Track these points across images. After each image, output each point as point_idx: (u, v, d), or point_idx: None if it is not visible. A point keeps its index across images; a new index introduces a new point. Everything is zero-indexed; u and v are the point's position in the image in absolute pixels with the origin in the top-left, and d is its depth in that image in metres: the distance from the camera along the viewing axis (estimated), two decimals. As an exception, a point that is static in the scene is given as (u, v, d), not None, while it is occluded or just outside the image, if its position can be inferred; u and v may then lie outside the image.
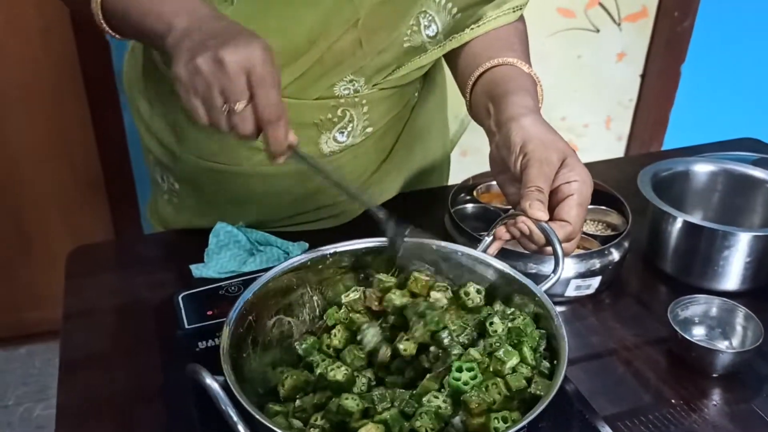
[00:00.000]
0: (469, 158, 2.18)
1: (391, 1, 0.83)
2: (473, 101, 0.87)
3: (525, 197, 0.68)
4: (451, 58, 0.94)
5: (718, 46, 2.16)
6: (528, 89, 0.82)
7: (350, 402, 0.56)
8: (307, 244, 0.92)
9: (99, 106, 1.78)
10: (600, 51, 2.13)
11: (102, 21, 0.74)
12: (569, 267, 0.84)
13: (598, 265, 0.85)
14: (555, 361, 0.59)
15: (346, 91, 0.88)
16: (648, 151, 2.31)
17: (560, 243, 0.70)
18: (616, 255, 0.86)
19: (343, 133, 0.91)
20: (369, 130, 0.94)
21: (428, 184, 1.11)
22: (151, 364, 0.76)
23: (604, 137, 2.30)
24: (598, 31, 2.10)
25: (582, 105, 2.21)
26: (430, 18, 0.87)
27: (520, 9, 0.92)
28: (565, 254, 0.69)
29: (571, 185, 0.71)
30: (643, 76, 2.22)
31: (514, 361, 0.59)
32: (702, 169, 0.95)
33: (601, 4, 2.05)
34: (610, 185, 0.97)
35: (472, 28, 0.89)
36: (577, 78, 2.16)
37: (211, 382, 0.50)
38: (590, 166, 1.24)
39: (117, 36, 0.76)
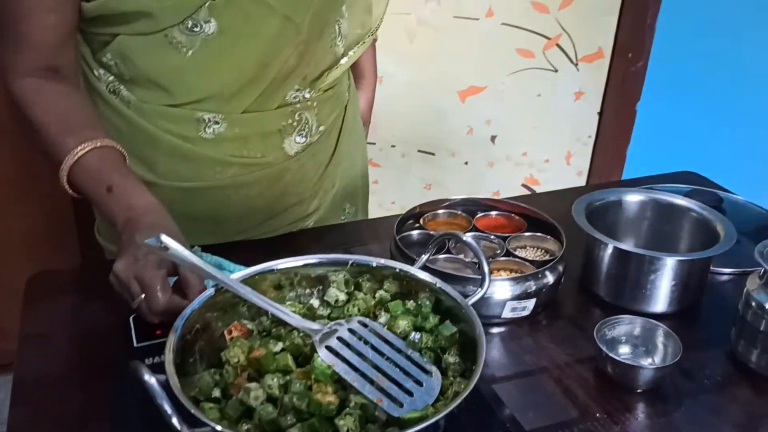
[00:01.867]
0: (432, 191, 2.24)
1: (318, 14, 0.96)
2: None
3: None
4: None
5: (671, 85, 2.25)
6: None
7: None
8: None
9: None
10: (558, 90, 2.22)
11: (70, 191, 0.88)
12: (505, 289, 0.88)
13: (533, 288, 0.90)
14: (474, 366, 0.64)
15: (296, 99, 1.02)
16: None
17: (488, 261, 0.75)
18: (550, 278, 0.91)
19: (301, 134, 1.05)
20: (321, 128, 1.08)
21: (363, 173, 1.26)
22: (102, 384, 0.79)
23: (564, 172, 2.37)
24: (556, 70, 2.18)
25: (542, 141, 2.29)
26: (341, 25, 1.02)
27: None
28: None
29: None
30: (600, 114, 2.30)
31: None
32: (633, 198, 1.01)
33: (558, 45, 2.14)
34: (553, 214, 1.03)
35: (364, 42, 1.08)
36: (537, 115, 2.24)
37: (149, 378, 0.54)
38: (536, 198, 1.30)
39: (75, 194, 0.89)
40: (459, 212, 1.07)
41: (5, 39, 0.89)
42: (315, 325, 0.67)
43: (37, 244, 1.97)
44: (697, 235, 0.97)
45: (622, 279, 0.92)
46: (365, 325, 0.68)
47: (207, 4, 0.87)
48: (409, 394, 0.62)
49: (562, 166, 2.36)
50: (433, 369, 0.66)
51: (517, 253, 0.98)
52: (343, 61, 1.06)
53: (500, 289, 0.88)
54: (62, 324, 0.90)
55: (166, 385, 0.56)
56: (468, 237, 0.81)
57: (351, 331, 0.67)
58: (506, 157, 2.28)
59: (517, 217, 1.06)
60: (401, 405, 0.60)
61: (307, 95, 1.03)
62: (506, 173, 2.30)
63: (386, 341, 0.67)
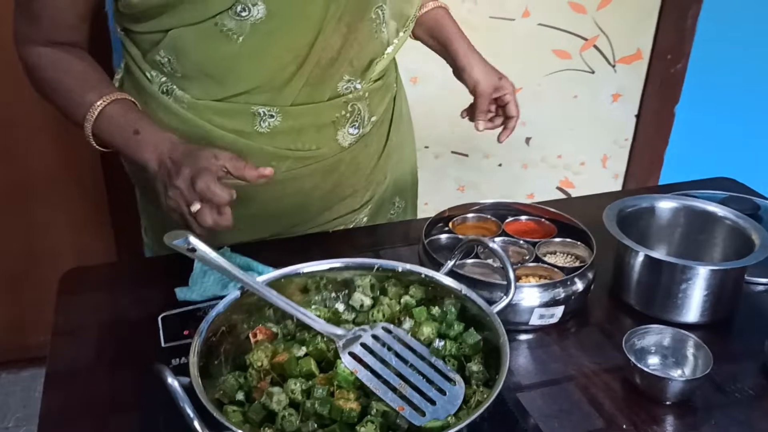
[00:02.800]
0: (466, 193, 2.23)
1: (355, 1, 0.98)
2: (415, 33, 1.21)
3: (476, 117, 1.17)
4: None
5: (711, 88, 2.21)
6: (460, 32, 1.20)
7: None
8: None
9: None
10: (595, 91, 2.18)
11: (94, 144, 0.94)
12: (533, 296, 0.88)
13: (562, 295, 0.89)
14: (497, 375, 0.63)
15: (348, 89, 1.04)
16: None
17: (513, 268, 0.74)
18: (579, 285, 0.90)
19: (354, 125, 1.07)
20: (373, 119, 1.10)
21: (412, 170, 1.29)
22: (130, 378, 0.80)
23: (600, 175, 2.34)
24: (593, 72, 2.15)
25: (578, 143, 2.26)
26: (383, 11, 1.03)
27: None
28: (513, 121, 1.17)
29: (504, 97, 1.15)
30: (638, 116, 2.26)
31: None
32: (665, 205, 1.00)
33: (595, 47, 2.11)
34: (585, 220, 1.01)
35: (406, 29, 1.12)
36: (573, 117, 2.21)
37: (172, 381, 0.55)
38: (568, 202, 1.28)
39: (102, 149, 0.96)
40: (489, 216, 1.06)
41: (21, 11, 0.94)
42: (339, 330, 0.67)
43: (74, 239, 2.01)
44: (732, 243, 0.95)
45: (653, 287, 0.90)
46: (389, 332, 0.68)
47: None
48: (432, 402, 0.62)
49: (598, 169, 2.33)
50: (457, 377, 0.65)
51: (546, 258, 0.97)
52: (389, 49, 1.08)
53: (528, 295, 0.87)
54: (94, 319, 0.92)
55: (190, 388, 0.57)
56: (494, 243, 0.80)
57: (375, 337, 0.67)
58: (541, 159, 2.26)
59: (547, 222, 1.05)
60: (423, 414, 0.60)
61: (358, 86, 1.05)
62: (541, 175, 2.28)
63: (410, 348, 0.67)
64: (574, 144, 2.26)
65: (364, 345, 0.66)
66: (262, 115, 0.99)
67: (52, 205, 1.95)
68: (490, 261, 0.96)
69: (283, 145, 1.01)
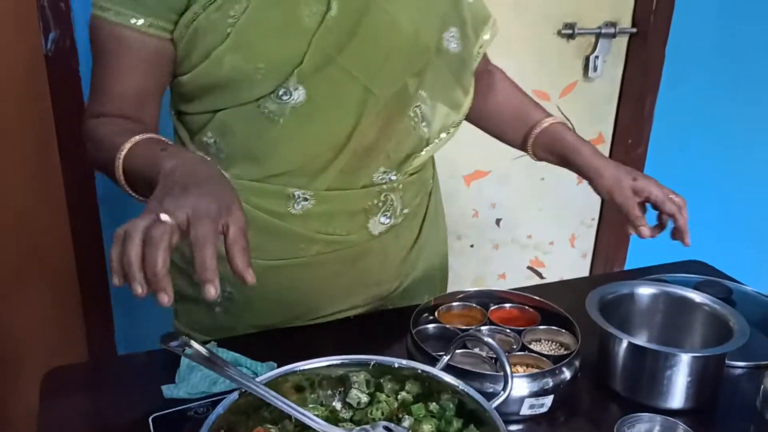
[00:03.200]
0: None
1: (396, 96, 1.03)
2: (536, 152, 1.22)
3: (634, 226, 1.10)
4: (484, 123, 1.28)
5: (671, 170, 2.30)
6: (579, 141, 1.16)
7: None
8: (275, 364, 0.96)
9: (81, 232, 1.83)
10: (561, 173, 2.24)
11: (126, 187, 0.89)
12: (523, 386, 0.89)
13: (550, 384, 0.90)
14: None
15: (383, 179, 1.07)
16: (612, 267, 2.40)
17: (509, 364, 0.76)
18: (567, 374, 0.92)
19: (386, 215, 1.09)
20: (406, 211, 1.12)
21: (441, 265, 1.29)
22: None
23: (569, 254, 2.39)
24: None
25: (547, 224, 2.32)
26: (422, 112, 1.09)
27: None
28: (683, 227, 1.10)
29: (652, 197, 1.10)
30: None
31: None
32: (645, 291, 1.03)
33: (560, 131, 2.19)
34: (566, 305, 1.04)
35: (449, 132, 1.15)
36: (541, 199, 2.27)
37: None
38: (546, 288, 1.31)
39: (138, 197, 0.89)
40: (473, 305, 1.08)
41: (93, 88, 0.98)
42: (340, 431, 0.67)
43: (46, 336, 1.96)
44: (711, 328, 0.98)
45: (639, 374, 0.92)
46: (390, 431, 0.68)
47: (296, 71, 0.94)
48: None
49: (566, 248, 2.38)
50: None
51: (532, 346, 0.99)
52: (428, 147, 1.12)
53: (518, 385, 0.88)
54: (79, 422, 0.90)
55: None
56: (489, 338, 0.82)
57: (376, 436, 0.67)
58: (511, 239, 2.30)
59: (530, 310, 1.07)
60: None
61: (393, 177, 1.08)
62: (512, 256, 2.32)
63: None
64: (542, 224, 2.31)
65: None
66: (296, 197, 1.02)
67: (20, 302, 1.92)
68: (477, 350, 0.97)
69: (314, 228, 1.05)
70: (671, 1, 2.09)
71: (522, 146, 1.24)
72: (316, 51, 0.94)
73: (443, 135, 1.14)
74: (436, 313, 1.06)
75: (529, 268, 2.36)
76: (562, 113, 2.16)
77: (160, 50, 0.95)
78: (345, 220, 1.06)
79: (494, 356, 0.92)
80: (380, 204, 1.08)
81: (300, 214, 1.03)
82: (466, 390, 0.72)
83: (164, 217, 0.64)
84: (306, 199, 1.03)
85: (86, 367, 1.09)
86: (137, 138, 0.86)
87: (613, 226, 2.34)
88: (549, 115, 1.21)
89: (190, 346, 0.71)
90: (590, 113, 2.21)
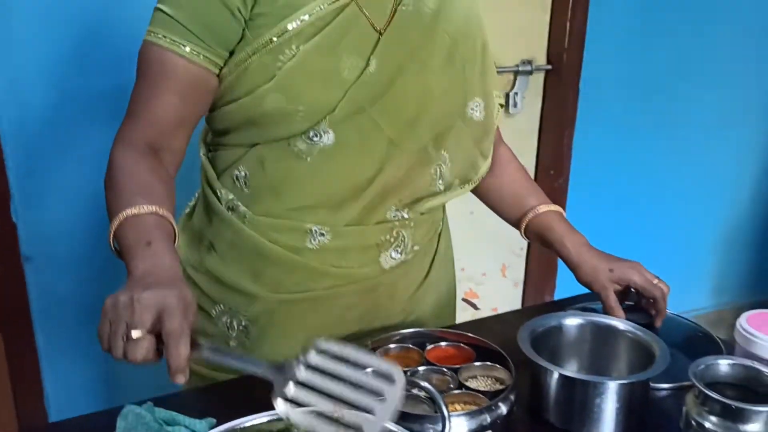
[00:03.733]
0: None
1: (419, 153, 1.11)
2: (528, 234, 1.29)
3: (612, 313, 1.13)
4: (483, 196, 1.37)
5: (592, 199, 2.40)
6: (567, 233, 1.24)
7: None
8: (214, 420, 0.96)
9: (5, 293, 1.78)
10: (490, 206, 2.32)
11: (112, 246, 0.92)
12: (462, 424, 0.91)
13: (488, 420, 0.93)
14: None
15: (395, 217, 1.13)
16: (542, 294, 2.47)
17: (446, 405, 0.78)
18: (503, 408, 0.95)
19: (397, 251, 1.15)
20: (416, 248, 1.18)
21: (449, 302, 1.35)
22: None
23: (501, 284, 2.45)
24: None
25: (478, 256, 2.38)
26: (441, 171, 1.16)
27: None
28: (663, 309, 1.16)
29: (631, 281, 1.16)
30: (530, 227, 2.41)
31: None
32: (572, 322, 1.07)
33: (485, 166, 2.26)
34: (499, 340, 1.07)
35: (463, 188, 1.24)
36: (471, 231, 2.33)
37: None
38: (481, 323, 1.35)
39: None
40: (410, 345, 1.10)
41: (129, 111, 1.02)
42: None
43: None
44: (635, 355, 1.03)
45: (570, 404, 0.96)
46: (323, 351, 0.73)
47: (328, 116, 1.02)
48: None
49: (498, 278, 2.44)
50: (394, 371, 0.71)
51: (468, 383, 1.01)
52: (442, 197, 1.19)
53: (457, 424, 0.91)
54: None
55: None
56: (424, 383, 0.85)
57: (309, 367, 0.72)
58: (445, 273, 2.35)
59: (465, 347, 1.10)
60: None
61: (406, 215, 1.14)
62: (446, 289, 2.36)
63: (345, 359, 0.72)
64: (474, 257, 2.37)
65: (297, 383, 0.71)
66: (313, 232, 1.08)
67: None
68: (414, 391, 0.99)
69: (329, 262, 1.10)
70: (582, 38, 2.21)
71: (515, 225, 1.31)
72: (349, 101, 1.02)
73: (459, 189, 1.22)
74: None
75: (464, 300, 2.41)
76: (487, 148, 2.23)
77: (203, 80, 1.01)
78: (358, 254, 1.12)
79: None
80: (392, 239, 1.14)
81: (316, 248, 1.09)
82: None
83: (134, 333, 0.73)
84: (322, 234, 1.09)
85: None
86: (136, 211, 0.90)
87: (541, 255, 2.42)
88: (546, 201, 1.28)
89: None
90: (513, 147, 2.27)
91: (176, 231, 0.94)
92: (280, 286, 1.11)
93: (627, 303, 1.18)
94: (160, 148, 1.02)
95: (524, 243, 2.43)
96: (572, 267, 1.21)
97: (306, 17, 0.99)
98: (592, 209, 2.42)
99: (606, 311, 1.15)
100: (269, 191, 1.08)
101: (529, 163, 2.33)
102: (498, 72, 2.17)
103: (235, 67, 1.01)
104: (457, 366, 1.04)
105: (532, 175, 2.35)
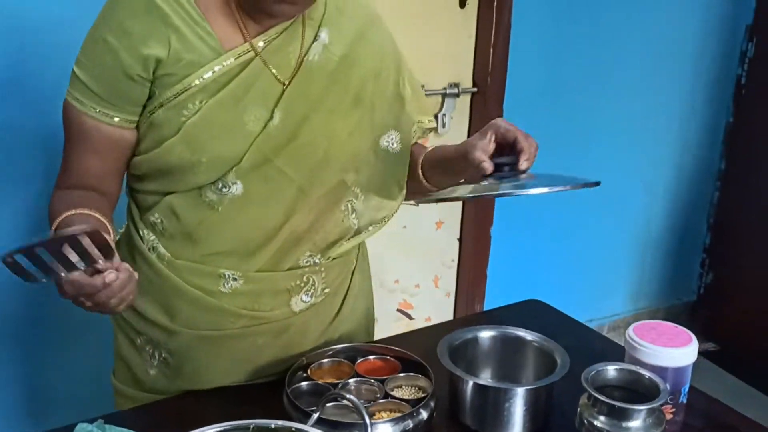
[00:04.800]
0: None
1: (329, 192, 1.15)
2: (426, 175, 1.23)
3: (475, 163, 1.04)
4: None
5: (515, 216, 2.55)
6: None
7: None
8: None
9: None
10: (420, 220, 2.45)
11: None
12: (386, 430, 1.02)
13: (411, 426, 1.04)
14: None
15: (308, 263, 1.18)
16: (473, 303, 2.61)
17: (367, 414, 0.89)
18: (424, 414, 1.06)
19: (308, 294, 1.20)
20: (327, 290, 1.23)
21: (366, 330, 1.39)
22: None
23: (434, 295, 2.58)
24: (417, 204, 2.41)
25: (411, 268, 2.49)
26: (353, 206, 1.21)
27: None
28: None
29: (497, 124, 1.07)
30: (460, 240, 2.55)
31: None
32: (485, 335, 1.20)
33: (417, 183, 2.38)
34: (423, 352, 1.18)
35: (383, 223, 1.28)
36: (404, 245, 2.45)
37: None
38: (409, 336, 1.45)
39: None
40: (342, 359, 1.21)
41: (63, 162, 1.11)
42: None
43: None
44: (541, 362, 1.15)
45: (484, 409, 1.08)
46: None
47: (234, 168, 1.06)
48: None
49: (431, 289, 2.56)
50: None
51: (394, 393, 1.12)
52: (357, 237, 1.24)
53: (382, 430, 1.02)
54: None
55: None
56: (349, 395, 0.96)
57: None
58: (380, 284, 2.45)
59: (392, 359, 1.21)
60: None
61: (317, 261, 1.19)
62: (381, 300, 2.42)
63: None
64: (407, 269, 2.49)
65: None
66: (227, 277, 1.13)
67: None
68: (347, 402, 1.10)
69: (241, 305, 1.15)
70: (505, 63, 2.35)
71: (416, 181, 1.24)
72: (255, 152, 1.07)
73: (371, 228, 1.27)
74: (309, 371, 1.18)
75: (398, 310, 2.53)
76: (418, 166, 2.35)
77: (118, 137, 1.07)
78: (269, 298, 1.17)
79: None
80: (302, 284, 1.19)
81: (229, 292, 1.14)
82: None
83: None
84: (235, 279, 1.13)
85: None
86: (70, 213, 1.01)
87: (470, 265, 2.56)
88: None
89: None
90: (442, 165, 2.41)
91: (111, 230, 1.04)
92: (197, 324, 1.16)
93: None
94: (94, 190, 1.10)
95: (455, 255, 2.56)
96: (463, 148, 1.08)
97: (209, 74, 1.03)
98: (514, 218, 2.57)
99: (471, 159, 1.03)
100: (184, 237, 1.12)
101: (458, 179, 2.46)
102: (427, 94, 2.32)
103: (146, 120, 1.06)
104: (384, 377, 1.15)
105: (461, 191, 2.48)
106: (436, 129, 1.37)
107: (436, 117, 2.31)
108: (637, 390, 1.01)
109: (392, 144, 1.21)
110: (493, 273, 2.59)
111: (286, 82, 1.08)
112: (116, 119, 1.05)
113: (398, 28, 2.12)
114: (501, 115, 2.40)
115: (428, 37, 2.24)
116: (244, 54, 1.05)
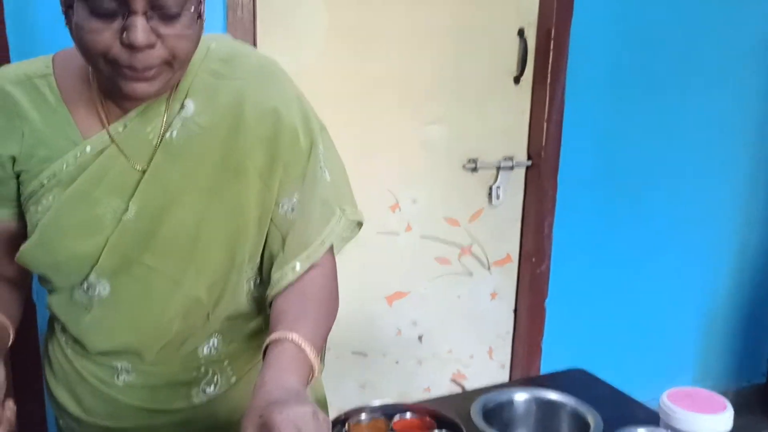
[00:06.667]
0: (367, 390, 2.39)
1: (212, 285, 1.03)
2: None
3: None
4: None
5: (572, 285, 2.55)
6: (283, 367, 0.90)
7: None
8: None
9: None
10: (475, 291, 2.47)
11: None
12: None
13: (442, 482, 1.06)
14: None
15: (207, 351, 1.09)
16: (528, 375, 2.58)
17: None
18: (456, 472, 1.08)
19: (210, 385, 1.11)
20: (233, 379, 1.13)
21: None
22: None
23: (488, 366, 2.57)
24: (471, 274, 2.45)
25: (465, 339, 2.50)
26: (251, 282, 1.09)
27: (297, 270, 1.03)
28: None
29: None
30: (515, 311, 2.55)
31: None
32: (520, 398, 1.21)
33: (471, 253, 2.42)
34: (459, 413, 1.20)
35: (270, 290, 1.03)
36: (458, 315, 2.47)
37: None
38: (447, 399, 1.47)
39: None
40: (379, 416, 1.24)
41: None
42: None
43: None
44: (575, 425, 1.16)
45: (516, 469, 1.09)
46: None
47: (95, 268, 0.99)
48: None
49: (485, 360, 2.56)
50: None
51: (428, 450, 1.14)
52: (258, 321, 1.12)
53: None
54: None
55: None
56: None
57: None
58: (433, 354, 2.47)
59: (428, 419, 1.23)
60: None
61: (219, 348, 1.09)
62: (435, 370, 2.48)
63: None
64: (461, 339, 2.50)
65: None
66: (119, 369, 1.08)
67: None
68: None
69: (137, 399, 1.09)
70: (559, 135, 2.40)
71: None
72: (112, 250, 0.97)
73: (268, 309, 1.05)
74: (347, 426, 1.21)
75: (452, 381, 2.52)
76: (472, 236, 2.40)
77: (4, 230, 1.03)
78: (167, 391, 1.09)
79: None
80: (200, 376, 1.10)
81: (123, 385, 1.08)
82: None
83: None
84: (128, 372, 1.07)
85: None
86: None
87: (525, 338, 2.55)
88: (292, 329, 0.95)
89: None
90: (497, 236, 2.45)
91: (10, 323, 1.02)
92: (99, 414, 1.11)
93: None
94: None
95: (510, 327, 2.56)
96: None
97: (64, 167, 0.95)
98: (573, 295, 2.56)
99: None
100: (71, 336, 1.08)
101: (513, 251, 2.49)
102: (481, 168, 2.39)
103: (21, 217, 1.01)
104: (419, 435, 1.18)
105: (516, 263, 2.50)
106: (489, 199, 1.13)
107: (490, 189, 2.38)
108: (668, 455, 1.00)
109: (289, 209, 1.05)
110: (548, 346, 2.56)
111: (143, 169, 0.97)
112: (2, 216, 1.02)
113: (454, 104, 2.24)
114: (555, 188, 2.43)
115: (483, 112, 2.32)
116: (101, 141, 0.96)
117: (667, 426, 1.06)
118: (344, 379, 2.34)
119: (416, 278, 2.38)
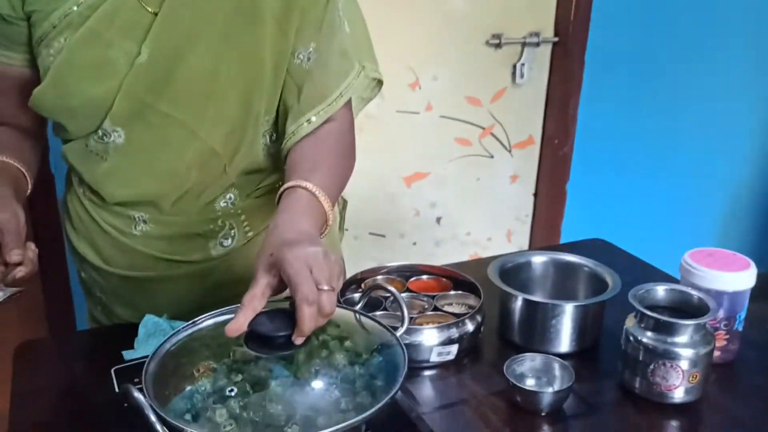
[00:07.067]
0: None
1: (227, 134, 1.03)
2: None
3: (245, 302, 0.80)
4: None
5: (594, 166, 2.50)
6: (296, 207, 0.90)
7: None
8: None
9: (41, 220, 1.91)
10: (495, 174, 2.44)
11: None
12: (432, 336, 1.05)
13: (456, 335, 1.06)
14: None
15: (225, 204, 1.10)
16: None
17: (405, 303, 0.91)
18: (470, 326, 1.08)
19: (227, 238, 1.12)
20: (250, 234, 1.14)
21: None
22: (90, 425, 0.92)
23: (506, 249, 2.57)
24: (492, 156, 2.41)
25: (484, 221, 2.49)
26: (267, 136, 1.07)
27: (312, 122, 1.02)
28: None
29: (283, 268, 0.77)
30: (535, 195, 2.53)
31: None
32: (537, 260, 1.20)
33: (492, 134, 2.38)
34: (477, 277, 1.20)
35: (286, 143, 1.03)
36: (477, 198, 2.45)
37: (138, 394, 0.69)
38: (466, 264, 1.46)
39: None
40: (395, 277, 1.24)
41: None
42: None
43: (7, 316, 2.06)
44: (592, 286, 1.15)
45: (531, 325, 1.09)
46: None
47: (108, 114, 0.98)
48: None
49: (503, 243, 2.56)
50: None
51: (444, 308, 1.15)
52: (276, 176, 1.12)
53: (427, 336, 1.05)
54: (51, 382, 1.03)
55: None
56: (388, 285, 0.99)
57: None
58: (452, 236, 2.47)
59: (444, 280, 1.23)
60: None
61: (236, 203, 1.10)
62: (452, 252, 2.48)
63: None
64: (480, 222, 2.49)
65: None
66: (137, 219, 1.09)
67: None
68: (398, 313, 1.13)
69: (155, 248, 1.10)
70: (588, 11, 2.30)
71: None
72: (126, 96, 0.97)
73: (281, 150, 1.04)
74: (363, 285, 1.22)
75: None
76: (494, 117, 2.34)
77: (21, 77, 1.02)
78: (183, 242, 1.10)
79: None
80: (217, 229, 1.11)
81: (140, 235, 1.09)
82: (372, 318, 0.88)
83: None
84: (145, 222, 1.09)
85: (54, 340, 1.22)
86: None
87: (545, 221, 2.53)
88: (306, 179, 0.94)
89: None
90: (520, 117, 2.39)
91: (26, 171, 1.01)
92: (117, 264, 1.12)
93: None
94: (9, 125, 1.07)
95: (529, 210, 2.54)
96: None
97: (75, 7, 0.94)
98: (594, 178, 2.52)
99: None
100: (88, 186, 1.09)
101: (536, 132, 2.43)
102: (505, 44, 2.31)
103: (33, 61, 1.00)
104: (434, 294, 1.18)
105: (538, 145, 2.45)
106: (513, 78, 1.14)
107: (514, 67, 2.30)
108: (686, 310, 0.99)
109: (307, 60, 1.02)
110: (567, 229, 2.55)
111: (156, 11, 0.95)
112: (14, 61, 1.01)
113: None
114: (582, 67, 2.35)
115: (509, -15, 2.21)
116: None
117: (689, 284, 1.04)
118: (362, 259, 2.35)
119: (436, 159, 2.35)
